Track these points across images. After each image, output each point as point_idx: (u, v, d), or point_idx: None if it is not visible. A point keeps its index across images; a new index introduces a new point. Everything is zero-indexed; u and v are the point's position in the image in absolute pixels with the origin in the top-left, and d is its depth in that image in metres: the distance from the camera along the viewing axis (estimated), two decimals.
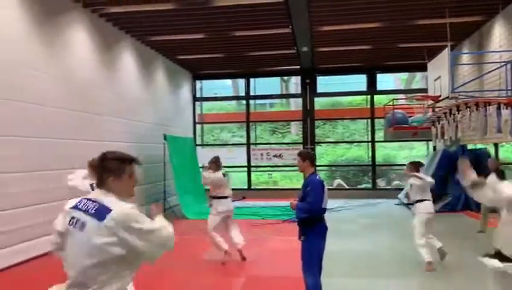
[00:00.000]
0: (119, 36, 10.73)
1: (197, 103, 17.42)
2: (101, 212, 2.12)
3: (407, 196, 6.97)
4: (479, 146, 12.37)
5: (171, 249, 2.29)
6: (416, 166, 6.73)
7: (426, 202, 6.50)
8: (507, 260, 3.19)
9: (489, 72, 9.91)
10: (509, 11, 9.29)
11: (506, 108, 7.63)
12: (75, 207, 2.22)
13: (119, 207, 2.15)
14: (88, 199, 2.23)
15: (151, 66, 12.75)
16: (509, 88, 8.88)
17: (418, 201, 6.56)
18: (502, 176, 7.39)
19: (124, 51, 10.98)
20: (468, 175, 3.53)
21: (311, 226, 4.44)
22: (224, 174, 7.07)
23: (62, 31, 8.33)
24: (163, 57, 13.56)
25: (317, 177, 4.54)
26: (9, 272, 6.50)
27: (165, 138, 12.01)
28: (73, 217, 2.18)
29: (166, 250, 2.28)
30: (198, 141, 17.56)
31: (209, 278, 6.28)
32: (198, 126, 17.62)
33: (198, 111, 17.62)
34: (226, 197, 7.01)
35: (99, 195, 2.24)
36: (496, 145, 11.25)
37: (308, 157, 4.65)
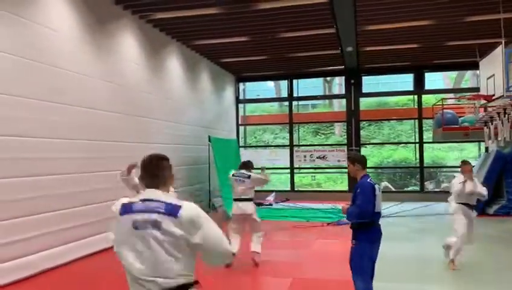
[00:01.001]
0: (166, 41, 11.03)
1: (240, 105, 17.58)
2: (172, 209, 2.27)
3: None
4: None
5: (226, 261, 2.50)
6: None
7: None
8: None
9: None
10: None
11: None
12: (135, 211, 2.31)
13: (186, 204, 2.34)
14: (147, 200, 2.33)
15: (195, 69, 13.01)
16: None
17: None
18: None
19: (170, 55, 11.27)
20: None
21: (363, 230, 4.33)
22: (234, 175, 6.99)
23: (112, 38, 8.67)
24: (207, 60, 13.80)
25: (369, 179, 4.42)
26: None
27: (209, 139, 12.21)
28: (137, 221, 2.28)
29: (224, 261, 2.48)
30: (241, 143, 17.71)
31: (256, 277, 6.32)
32: (241, 128, 17.78)
33: (241, 113, 17.78)
34: (239, 200, 6.83)
35: (156, 194, 2.37)
36: None
37: (357, 160, 4.54)
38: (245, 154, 15.36)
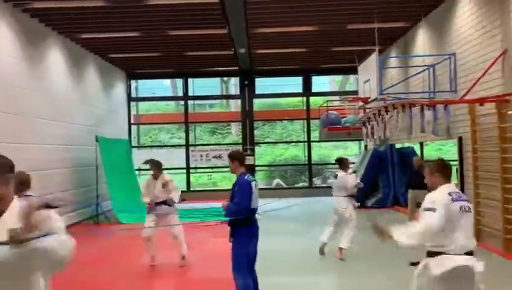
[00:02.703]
0: (46, 33, 10.16)
1: (133, 103, 16.93)
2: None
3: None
4: (406, 145, 13.11)
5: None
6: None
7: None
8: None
9: (414, 75, 10.54)
10: (430, 18, 9.93)
11: (429, 109, 8.14)
12: None
13: None
14: None
15: (81, 64, 12.21)
16: (431, 90, 9.51)
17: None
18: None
19: (51, 48, 10.41)
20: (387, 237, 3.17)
21: (240, 227, 4.45)
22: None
23: None
24: (95, 56, 13.03)
25: (246, 177, 4.54)
26: None
27: (96, 139, 11.53)
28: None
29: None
30: (135, 143, 17.07)
31: (143, 281, 6.15)
32: (134, 127, 17.13)
33: (134, 112, 17.13)
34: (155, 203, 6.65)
35: None
36: (421, 144, 11.98)
37: (236, 157, 4.64)
38: (139, 155, 14.82)
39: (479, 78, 7.53)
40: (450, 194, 3.21)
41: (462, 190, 8.48)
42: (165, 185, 6.66)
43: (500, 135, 7.08)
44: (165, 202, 6.64)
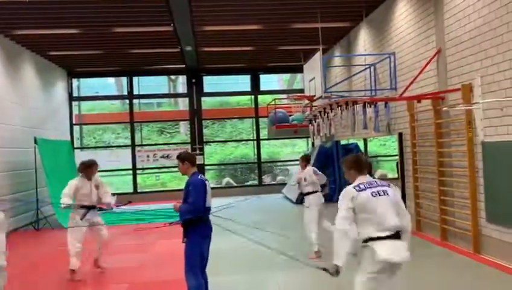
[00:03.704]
0: None
1: (74, 103, 16.24)
2: None
3: (299, 187, 7.43)
4: (351, 141, 13.53)
5: None
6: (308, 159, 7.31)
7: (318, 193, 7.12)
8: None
9: (356, 74, 10.88)
10: (371, 18, 10.29)
11: (370, 106, 8.44)
12: None
13: None
14: None
15: (17, 62, 11.53)
16: (373, 88, 9.86)
17: (310, 193, 7.09)
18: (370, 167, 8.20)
19: None
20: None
21: (194, 227, 4.39)
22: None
23: None
24: (32, 53, 12.35)
25: (199, 176, 4.50)
26: None
27: (35, 141, 10.94)
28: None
29: None
30: (77, 144, 16.39)
31: (90, 287, 5.93)
32: (77, 128, 16.44)
33: (76, 111, 16.43)
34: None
35: None
36: (365, 140, 12.40)
37: (187, 158, 4.59)
38: (82, 156, 14.22)
39: (416, 77, 7.90)
40: (356, 186, 3.47)
41: (403, 183, 8.88)
42: (98, 187, 6.36)
43: (436, 131, 7.47)
44: (94, 207, 6.29)
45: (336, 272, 3.27)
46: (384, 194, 3.45)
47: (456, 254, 6.73)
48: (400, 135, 8.89)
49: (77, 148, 15.90)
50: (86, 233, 6.27)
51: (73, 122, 15.95)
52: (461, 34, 6.74)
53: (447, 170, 7.35)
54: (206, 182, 4.54)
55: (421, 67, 7.81)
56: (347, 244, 3.29)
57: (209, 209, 4.53)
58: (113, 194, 14.79)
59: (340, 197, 3.49)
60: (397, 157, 9.56)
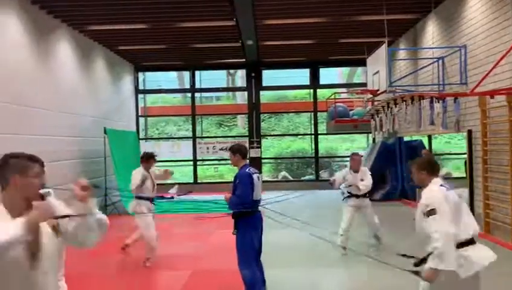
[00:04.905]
0: (54, 25, 10.16)
1: (140, 96, 16.95)
2: None
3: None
4: (414, 138, 13.03)
5: None
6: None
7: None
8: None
9: (423, 67, 10.45)
10: (440, 10, 9.81)
11: (438, 101, 8.08)
12: None
13: None
14: None
15: (90, 56, 12.22)
16: (441, 83, 9.43)
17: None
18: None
19: (59, 40, 10.42)
20: None
21: (243, 219, 4.46)
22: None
23: None
24: (103, 48, 13.04)
25: (247, 169, 4.55)
26: None
27: (105, 131, 11.58)
28: None
29: None
30: (142, 135, 17.12)
31: (153, 272, 6.20)
32: (142, 120, 17.18)
33: (141, 104, 17.16)
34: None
35: None
36: (429, 137, 11.90)
37: (238, 150, 4.65)
38: (146, 147, 14.87)
39: (490, 71, 7.44)
40: (441, 185, 3.29)
41: (471, 182, 8.45)
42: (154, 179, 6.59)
43: (511, 128, 7.01)
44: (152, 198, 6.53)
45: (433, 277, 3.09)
46: (459, 197, 3.34)
47: None
48: (470, 132, 8.43)
49: (142, 138, 16.61)
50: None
51: (139, 114, 16.68)
52: None
53: None
54: (255, 175, 4.56)
55: (495, 61, 7.33)
56: (453, 248, 3.08)
57: (258, 202, 4.56)
58: (175, 184, 15.34)
59: (430, 199, 3.21)
60: (465, 155, 9.10)
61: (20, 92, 8.57)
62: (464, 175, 9.35)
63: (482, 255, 3.18)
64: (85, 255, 6.86)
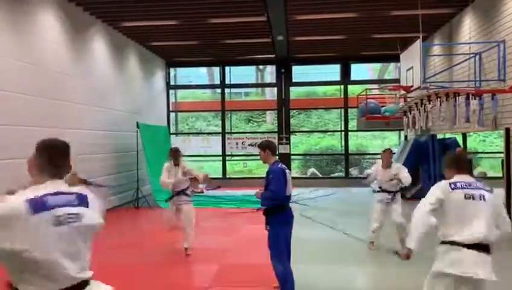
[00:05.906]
0: (90, 21, 10.44)
1: (171, 91, 17.19)
2: (83, 199, 2.33)
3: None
4: (447, 136, 12.70)
5: None
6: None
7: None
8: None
9: (459, 63, 10.14)
10: (478, 4, 9.49)
11: (474, 98, 7.84)
12: (53, 207, 2.08)
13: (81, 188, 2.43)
14: (60, 193, 2.21)
15: (123, 52, 12.49)
16: (478, 79, 9.13)
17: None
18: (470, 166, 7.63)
19: (94, 36, 10.70)
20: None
21: (275, 214, 4.48)
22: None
23: (29, 16, 8.04)
24: (135, 43, 13.30)
25: (280, 165, 4.56)
26: None
27: (137, 126, 11.83)
28: (58, 216, 2.10)
29: None
30: (173, 130, 17.38)
31: (182, 265, 6.30)
32: (172, 115, 17.43)
33: (172, 99, 17.41)
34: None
35: (64, 185, 2.34)
36: (464, 135, 11.56)
37: (268, 147, 4.66)
38: (176, 142, 15.09)
39: None
40: (452, 183, 3.23)
41: (508, 182, 8.15)
42: (186, 174, 6.65)
43: None
44: (183, 192, 6.65)
45: (406, 256, 3.21)
46: (481, 199, 3.17)
47: None
48: (507, 130, 8.14)
49: (172, 133, 16.87)
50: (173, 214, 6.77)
51: (170, 109, 16.93)
52: None
53: None
54: (286, 171, 4.58)
55: None
56: (423, 229, 3.16)
57: (289, 197, 4.59)
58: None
59: (432, 187, 3.32)
60: (501, 154, 8.80)
61: (56, 87, 8.87)
62: (501, 175, 9.04)
63: (469, 264, 3.06)
64: (114, 247, 7.07)
